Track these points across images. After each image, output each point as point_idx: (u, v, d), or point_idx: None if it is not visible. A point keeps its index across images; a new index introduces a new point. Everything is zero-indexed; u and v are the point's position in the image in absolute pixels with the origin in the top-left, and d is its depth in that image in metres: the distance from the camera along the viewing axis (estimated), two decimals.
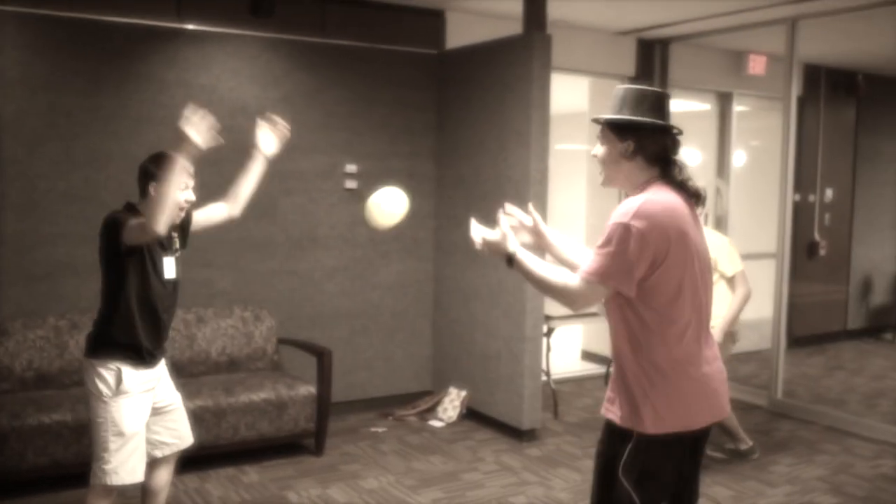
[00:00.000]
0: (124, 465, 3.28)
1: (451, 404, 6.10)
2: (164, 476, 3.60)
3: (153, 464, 3.51)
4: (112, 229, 3.23)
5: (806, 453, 5.47)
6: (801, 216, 8.19)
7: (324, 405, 5.23)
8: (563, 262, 2.88)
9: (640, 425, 2.52)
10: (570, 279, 2.54)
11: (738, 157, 8.25)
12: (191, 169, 3.35)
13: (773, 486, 4.88)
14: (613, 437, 2.65)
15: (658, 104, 2.60)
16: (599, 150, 2.65)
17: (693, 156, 7.87)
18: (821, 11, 6.14)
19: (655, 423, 2.49)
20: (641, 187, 2.56)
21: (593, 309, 5.86)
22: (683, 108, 8.05)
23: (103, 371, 3.25)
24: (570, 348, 8.14)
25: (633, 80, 7.45)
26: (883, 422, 6.05)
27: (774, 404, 6.47)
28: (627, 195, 2.60)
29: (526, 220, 2.94)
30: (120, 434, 3.26)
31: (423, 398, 6.32)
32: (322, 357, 5.26)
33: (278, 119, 3.65)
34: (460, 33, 6.36)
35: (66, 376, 4.92)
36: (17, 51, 4.95)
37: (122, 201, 5.29)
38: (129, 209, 3.36)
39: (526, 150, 5.44)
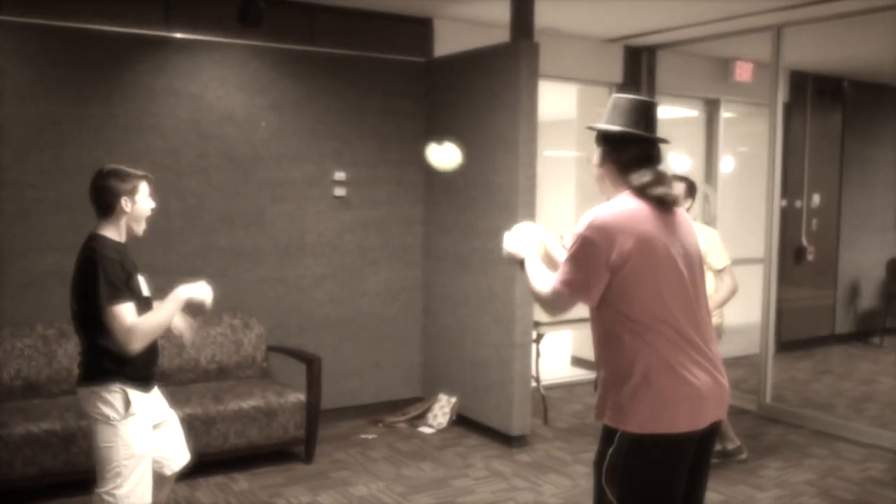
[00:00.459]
0: (136, 488, 3.25)
1: (441, 411, 6.10)
2: (165, 493, 3.60)
3: (160, 482, 3.48)
4: (92, 287, 3.16)
5: (795, 457, 5.50)
6: (789, 221, 8.24)
7: (313, 412, 5.23)
8: None
9: (621, 424, 2.54)
10: (545, 287, 2.64)
11: (726, 163, 8.29)
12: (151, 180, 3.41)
13: (762, 489, 4.90)
14: (603, 437, 2.66)
15: (638, 113, 2.64)
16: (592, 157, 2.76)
17: (681, 162, 7.91)
18: (806, 19, 6.19)
19: (633, 422, 2.51)
20: (615, 195, 2.64)
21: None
22: (671, 114, 8.10)
23: (108, 395, 3.21)
24: (560, 354, 8.16)
25: (621, 87, 7.49)
26: (871, 425, 6.08)
27: (763, 409, 6.49)
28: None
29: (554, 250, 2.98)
30: (132, 456, 3.22)
31: (413, 405, 6.32)
32: (311, 364, 5.26)
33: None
34: (448, 41, 6.39)
35: (54, 385, 4.90)
36: (6, 59, 4.95)
37: None
38: (100, 243, 3.26)
39: (514, 157, 5.46)
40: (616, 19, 6.56)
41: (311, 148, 5.95)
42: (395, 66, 6.25)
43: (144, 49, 5.34)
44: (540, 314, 6.04)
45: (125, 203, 3.27)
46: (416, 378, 6.51)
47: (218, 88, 5.59)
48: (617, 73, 7.47)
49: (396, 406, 6.32)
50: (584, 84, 7.60)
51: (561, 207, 8.64)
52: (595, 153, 2.72)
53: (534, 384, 5.99)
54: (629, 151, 2.62)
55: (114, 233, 3.29)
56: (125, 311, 3.15)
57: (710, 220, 7.77)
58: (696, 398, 2.52)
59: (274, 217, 5.84)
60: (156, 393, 3.45)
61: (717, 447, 5.26)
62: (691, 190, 4.99)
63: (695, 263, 2.63)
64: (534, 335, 5.92)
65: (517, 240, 2.86)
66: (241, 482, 4.91)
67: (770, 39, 6.47)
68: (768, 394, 6.53)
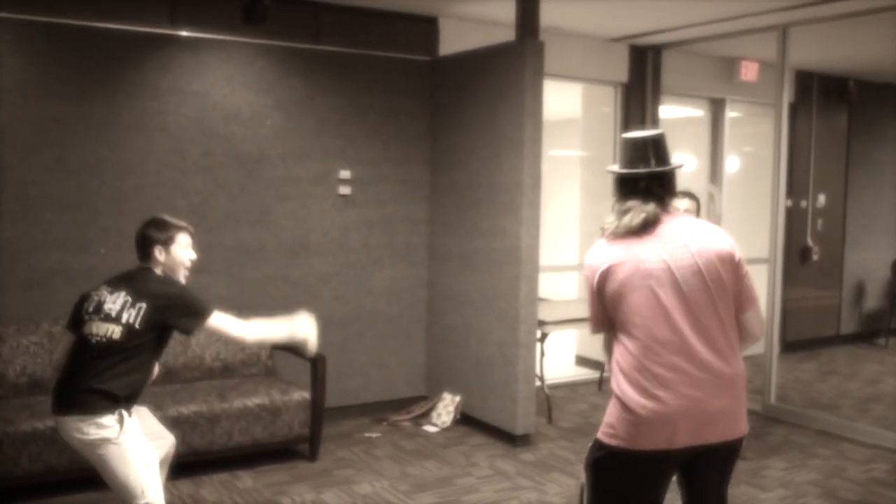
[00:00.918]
0: (158, 489, 3.35)
1: (446, 409, 6.10)
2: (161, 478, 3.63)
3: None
4: (191, 319, 3.40)
5: (799, 457, 5.49)
6: (794, 221, 8.21)
7: (318, 410, 5.23)
8: None
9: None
10: None
11: (731, 163, 8.28)
12: (192, 237, 3.61)
13: (766, 490, 4.89)
14: None
15: (634, 149, 2.81)
16: None
17: (686, 162, 7.90)
18: (812, 18, 6.17)
19: (603, 428, 2.72)
20: None
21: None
22: (676, 114, 8.09)
23: (106, 421, 3.26)
24: (564, 353, 8.15)
25: (626, 86, 7.50)
26: (876, 426, 6.07)
27: (768, 409, 6.48)
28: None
29: None
30: (147, 463, 3.33)
31: (418, 403, 6.32)
32: (316, 362, 5.26)
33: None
34: (453, 40, 6.39)
35: None
36: (9, 57, 4.96)
37: (115, 208, 5.34)
38: (153, 273, 3.48)
39: (519, 156, 5.46)
40: (621, 18, 6.56)
41: (316, 146, 5.95)
42: (400, 64, 6.25)
43: (149, 47, 5.35)
44: (546, 313, 6.05)
45: (158, 252, 3.45)
46: (420, 377, 6.51)
47: (223, 87, 5.60)
48: (622, 73, 7.47)
49: (401, 404, 6.32)
50: (590, 83, 7.60)
51: (566, 207, 8.64)
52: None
53: (538, 383, 5.99)
54: (623, 187, 2.81)
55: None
56: (222, 316, 3.47)
57: (715, 219, 7.76)
58: (656, 419, 2.58)
59: (279, 215, 5.84)
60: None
61: None
62: (696, 207, 4.77)
63: (682, 275, 2.61)
64: (538, 334, 5.91)
65: None
66: (246, 480, 4.92)
67: (776, 39, 6.46)
68: (773, 394, 6.52)
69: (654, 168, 2.75)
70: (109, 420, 3.25)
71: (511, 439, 5.65)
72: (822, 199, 8.70)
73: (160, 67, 5.39)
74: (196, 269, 5.36)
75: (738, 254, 2.69)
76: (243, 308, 5.62)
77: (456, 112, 6.09)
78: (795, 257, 8.39)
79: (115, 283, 3.42)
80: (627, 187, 2.77)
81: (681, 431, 2.58)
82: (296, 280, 5.93)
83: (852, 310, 9.20)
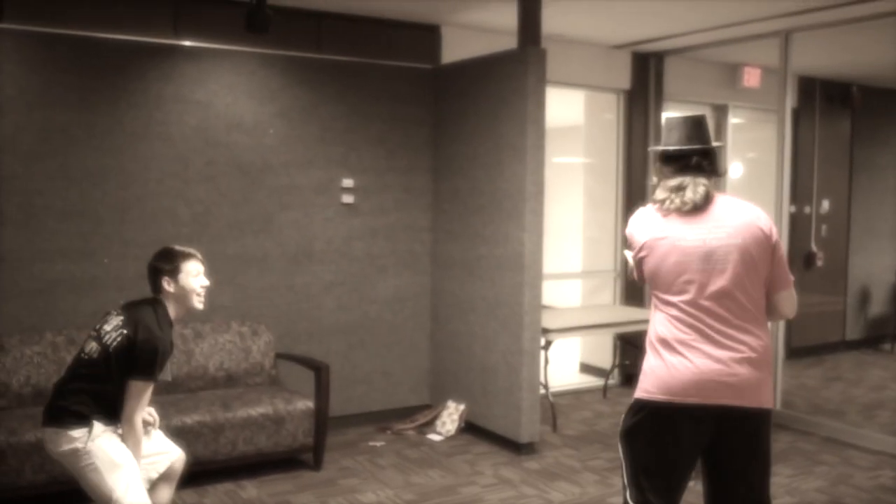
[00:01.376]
0: (129, 492, 3.29)
1: (450, 418, 6.09)
2: (165, 495, 3.62)
3: (154, 485, 3.55)
4: (140, 364, 3.31)
5: (805, 464, 5.47)
6: (798, 227, 8.20)
7: (322, 419, 5.22)
8: None
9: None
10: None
11: (734, 169, 8.26)
12: (202, 264, 3.57)
13: (772, 497, 4.85)
14: None
15: (685, 127, 3.00)
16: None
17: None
18: (814, 24, 6.17)
19: (638, 386, 2.95)
20: None
21: None
22: None
23: (74, 433, 3.29)
24: (569, 361, 8.13)
25: (629, 93, 7.49)
26: (882, 432, 6.04)
27: (773, 415, 6.44)
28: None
29: None
30: (115, 466, 3.29)
31: (422, 412, 6.31)
32: (320, 371, 5.26)
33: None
34: (456, 48, 6.39)
35: None
36: (13, 67, 4.97)
37: (118, 217, 5.34)
38: (158, 307, 3.46)
39: (522, 163, 5.46)
40: (623, 25, 6.56)
41: (319, 155, 5.95)
42: (403, 72, 6.26)
43: (152, 57, 5.36)
44: (550, 321, 6.04)
45: (168, 283, 3.43)
46: (424, 385, 6.50)
47: (226, 96, 5.60)
48: (625, 80, 7.47)
49: (405, 413, 6.31)
50: (592, 90, 7.60)
51: (569, 214, 8.63)
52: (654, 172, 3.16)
53: (542, 391, 5.97)
54: (674, 164, 2.98)
55: (171, 309, 3.47)
56: (147, 394, 3.35)
57: None
58: (690, 374, 2.80)
59: (282, 224, 5.84)
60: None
61: None
62: None
63: (715, 253, 2.83)
64: (542, 342, 5.90)
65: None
66: (250, 489, 4.91)
67: (778, 45, 6.45)
68: (778, 400, 6.49)
69: (707, 145, 2.97)
70: (79, 433, 3.28)
71: (516, 447, 5.63)
72: (825, 204, 8.69)
73: (163, 77, 5.40)
74: None
75: (776, 236, 2.91)
76: (247, 317, 5.67)
77: (459, 120, 6.10)
78: (800, 263, 8.37)
79: (125, 307, 3.46)
80: (678, 164, 2.96)
81: (707, 389, 2.79)
82: (299, 289, 5.93)
83: (857, 315, 9.17)
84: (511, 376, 5.63)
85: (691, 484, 2.99)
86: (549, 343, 6.24)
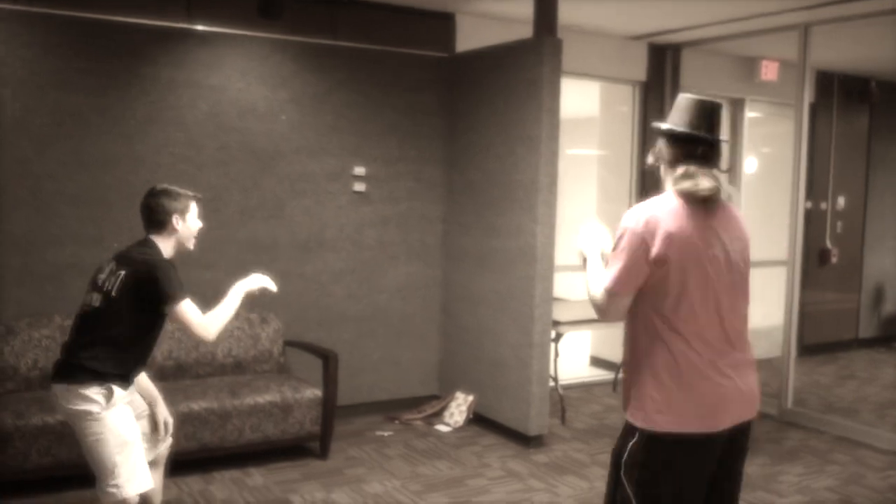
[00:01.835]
0: (135, 473, 3.28)
1: (458, 409, 6.06)
2: (155, 479, 3.60)
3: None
4: (159, 292, 3.25)
5: (816, 463, 5.42)
6: (813, 224, 8.13)
7: (329, 408, 5.20)
8: None
9: (640, 420, 2.57)
10: (598, 290, 2.65)
11: (750, 164, 8.20)
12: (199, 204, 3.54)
13: (782, 496, 4.82)
14: (623, 432, 2.67)
15: (697, 112, 2.67)
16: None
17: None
18: (834, 17, 6.09)
19: (651, 420, 2.54)
20: (663, 191, 2.67)
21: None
22: None
23: (91, 393, 3.23)
24: (579, 354, 8.10)
25: (645, 85, 7.43)
26: (895, 432, 5.98)
27: (784, 413, 6.41)
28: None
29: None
30: (124, 443, 3.26)
31: (430, 402, 6.28)
32: (328, 360, 5.24)
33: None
34: (471, 36, 6.34)
35: None
36: (25, 49, 4.95)
37: (129, 203, 5.28)
38: (152, 246, 3.39)
39: (536, 154, 5.41)
40: (640, 16, 6.49)
41: (332, 142, 5.92)
42: (417, 61, 6.21)
43: (165, 41, 5.33)
44: (560, 313, 5.99)
45: (176, 221, 3.40)
46: (433, 376, 6.47)
47: (239, 81, 5.57)
48: (641, 71, 7.40)
49: (413, 403, 6.29)
50: (608, 82, 7.54)
51: (582, 207, 8.57)
52: (652, 151, 2.77)
53: (552, 384, 5.94)
54: (678, 149, 2.65)
55: (164, 248, 3.41)
56: (193, 305, 3.31)
57: None
58: (713, 400, 2.54)
59: (293, 211, 5.82)
60: (134, 387, 3.49)
61: None
62: None
63: (735, 265, 2.61)
64: (553, 334, 5.86)
65: (587, 238, 2.89)
66: (256, 477, 4.90)
67: (797, 38, 6.38)
68: (790, 398, 6.44)
69: (719, 137, 2.67)
70: (95, 393, 3.22)
71: (524, 440, 5.60)
72: (841, 201, 8.62)
73: (176, 61, 5.37)
74: (208, 263, 5.40)
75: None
76: (255, 305, 5.62)
77: (472, 109, 6.05)
78: (814, 260, 8.31)
79: (115, 255, 3.42)
80: (683, 150, 2.63)
81: (728, 412, 2.57)
82: (309, 276, 5.90)
83: (871, 313, 9.10)
84: (521, 369, 5.59)
85: None
86: (559, 336, 6.21)
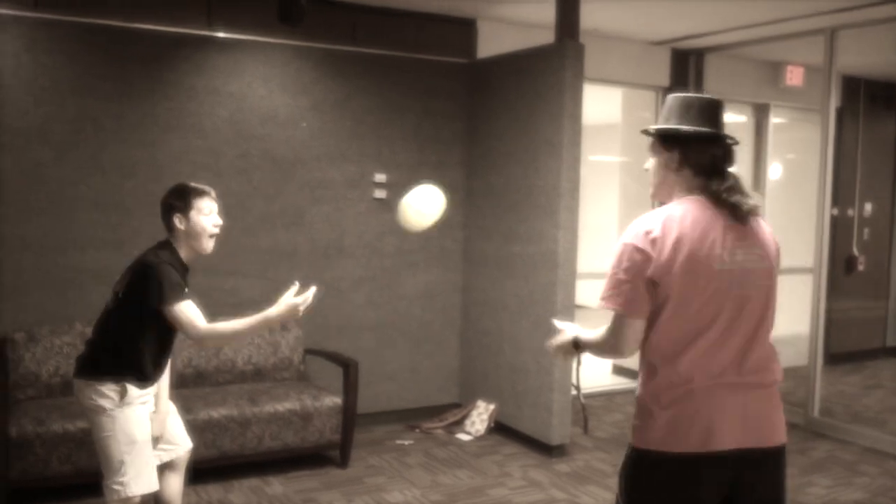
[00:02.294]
0: (140, 474, 3.27)
1: (479, 418, 6.01)
2: (175, 484, 3.59)
3: (161, 470, 3.49)
4: (152, 292, 3.18)
5: (844, 475, 5.32)
6: (840, 231, 8.03)
7: (349, 416, 5.17)
8: None
9: (632, 435, 2.47)
10: (601, 332, 2.58)
11: (775, 170, 8.11)
12: (216, 202, 3.42)
13: None
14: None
15: (708, 111, 2.49)
16: (649, 162, 2.58)
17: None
18: (860, 22, 6.01)
19: (638, 437, 2.44)
20: (670, 201, 2.47)
21: None
22: None
23: (106, 389, 3.23)
24: (601, 362, 8.02)
25: (668, 90, 7.36)
26: None
27: (811, 423, 6.31)
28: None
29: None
30: (132, 442, 3.25)
31: (451, 411, 6.24)
32: (348, 368, 5.21)
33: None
34: (492, 42, 6.31)
35: None
36: (47, 57, 4.97)
37: (148, 209, 5.28)
38: (165, 248, 3.32)
39: (557, 160, 5.36)
40: (663, 21, 6.44)
41: (352, 149, 5.90)
42: (438, 66, 6.18)
43: (186, 48, 5.33)
44: (581, 321, 5.92)
45: (178, 220, 3.30)
46: (453, 383, 6.42)
47: (259, 88, 5.57)
48: (663, 77, 7.34)
49: (434, 412, 6.24)
50: (630, 87, 7.49)
51: (604, 213, 8.52)
52: (652, 157, 2.57)
53: (574, 392, 5.87)
54: (706, 153, 2.46)
55: (180, 249, 3.33)
56: (189, 308, 3.17)
57: None
58: (703, 423, 2.34)
59: (314, 218, 5.80)
60: (155, 388, 3.46)
61: None
62: None
63: (759, 279, 2.41)
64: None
65: (559, 337, 2.84)
66: (276, 485, 4.87)
67: (823, 43, 6.30)
68: (816, 407, 6.34)
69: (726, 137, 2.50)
70: (109, 390, 3.22)
71: (546, 449, 5.54)
72: (868, 207, 8.50)
73: (196, 68, 5.37)
74: (230, 270, 5.39)
75: None
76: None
77: (493, 115, 6.01)
78: (840, 267, 8.20)
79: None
80: (703, 154, 2.46)
81: (726, 434, 2.35)
82: (329, 283, 5.87)
83: None
84: (542, 377, 5.54)
85: None
86: None
